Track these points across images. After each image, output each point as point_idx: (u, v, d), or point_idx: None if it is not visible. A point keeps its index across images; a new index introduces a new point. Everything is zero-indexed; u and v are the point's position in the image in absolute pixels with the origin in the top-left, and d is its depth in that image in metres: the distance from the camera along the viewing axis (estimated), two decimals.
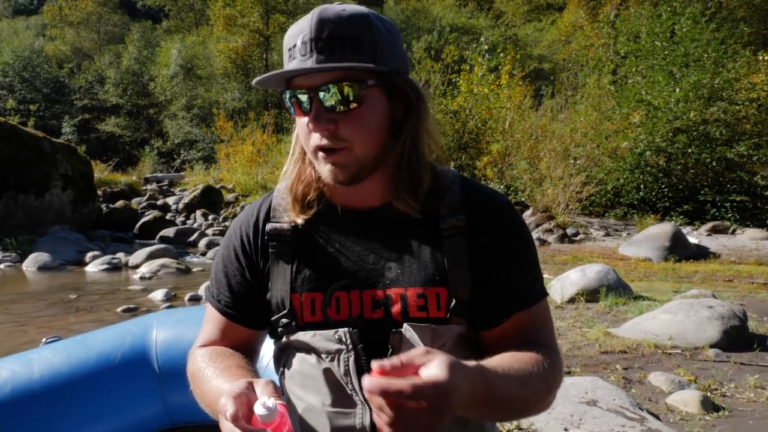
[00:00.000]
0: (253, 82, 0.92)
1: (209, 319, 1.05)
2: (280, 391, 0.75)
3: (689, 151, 11.45)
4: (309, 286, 0.95)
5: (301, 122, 0.91)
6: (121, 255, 8.21)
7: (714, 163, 11.37)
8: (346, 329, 0.90)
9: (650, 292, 5.65)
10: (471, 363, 0.74)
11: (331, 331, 0.91)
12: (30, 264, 7.73)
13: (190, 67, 27.87)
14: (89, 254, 8.24)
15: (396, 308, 0.91)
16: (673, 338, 3.84)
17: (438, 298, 0.91)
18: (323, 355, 0.93)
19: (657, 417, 2.58)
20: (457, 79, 14.19)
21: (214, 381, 0.91)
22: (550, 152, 11.89)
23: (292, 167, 0.99)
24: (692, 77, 11.47)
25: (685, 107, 11.48)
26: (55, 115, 29.34)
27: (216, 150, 19.01)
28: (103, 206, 12.30)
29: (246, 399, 0.74)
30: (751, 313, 4.61)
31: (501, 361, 0.82)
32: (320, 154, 0.88)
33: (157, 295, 5.80)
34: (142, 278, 7.02)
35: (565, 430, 2.29)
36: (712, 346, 3.74)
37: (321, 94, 0.86)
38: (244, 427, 0.70)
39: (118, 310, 5.24)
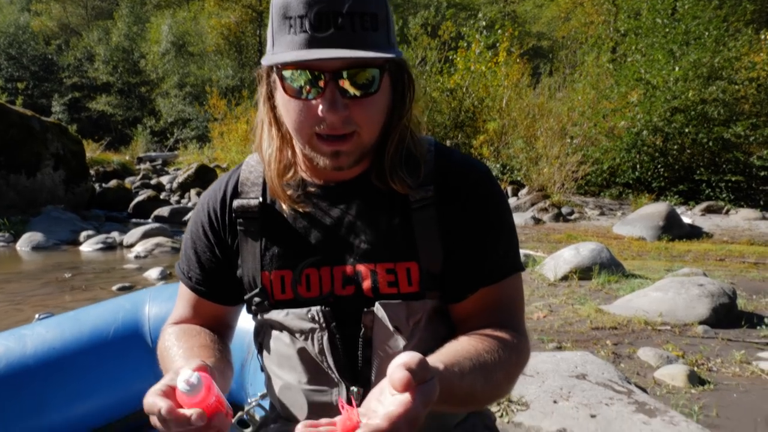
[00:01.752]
0: (268, 61, 0.81)
1: (181, 297, 1.03)
2: (205, 367, 0.72)
3: (686, 131, 11.44)
4: (278, 263, 0.92)
5: (295, 104, 0.81)
6: (115, 234, 8.21)
7: (710, 143, 11.37)
8: (318, 308, 0.89)
9: (643, 270, 5.70)
10: (433, 370, 0.66)
11: (304, 310, 0.89)
12: (24, 244, 7.71)
13: (181, 44, 27.48)
14: (83, 234, 8.22)
15: (366, 284, 0.89)
16: (663, 315, 3.89)
17: (408, 273, 0.89)
18: (297, 334, 0.92)
19: (644, 390, 2.63)
20: (454, 56, 14.07)
21: (177, 361, 0.89)
22: (546, 131, 11.87)
23: (274, 152, 0.91)
24: (692, 56, 11.40)
25: (684, 86, 11.44)
26: (44, 94, 28.97)
27: (210, 129, 18.89)
28: (96, 186, 12.24)
29: (172, 391, 0.71)
30: (741, 292, 4.66)
31: (465, 353, 0.78)
32: (318, 139, 0.82)
33: (152, 273, 5.81)
34: (137, 257, 7.03)
35: (555, 402, 2.33)
36: (701, 322, 3.79)
37: (342, 80, 0.78)
38: (173, 413, 0.66)
39: (114, 288, 5.25)
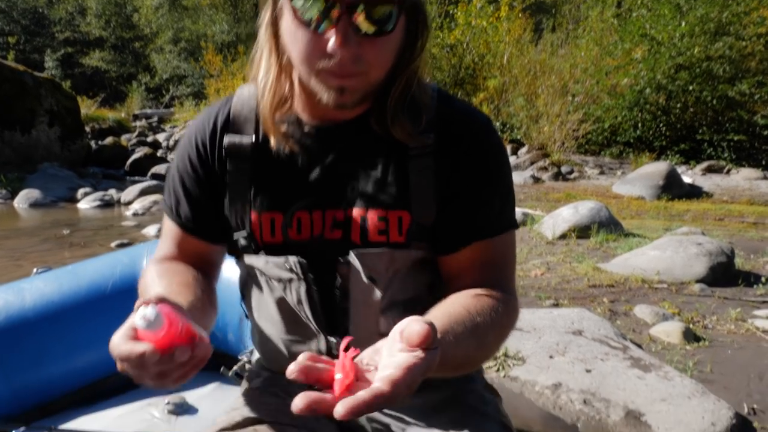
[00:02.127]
0: None
1: (166, 233, 0.99)
2: (164, 300, 0.67)
3: (690, 88, 11.26)
4: (269, 205, 0.89)
5: (303, 34, 0.76)
6: (112, 192, 8.18)
7: (714, 102, 11.21)
8: (295, 258, 0.86)
9: (641, 229, 5.71)
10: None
11: (282, 259, 0.87)
12: (21, 201, 7.69)
13: None
14: (81, 191, 8.19)
15: (356, 230, 0.87)
16: (661, 273, 3.91)
17: (400, 222, 0.86)
18: (276, 283, 0.90)
19: (639, 346, 2.66)
20: (455, 10, 13.71)
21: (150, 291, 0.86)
22: (548, 89, 11.68)
23: (270, 82, 0.85)
24: (700, 10, 11.10)
25: (690, 42, 11.18)
26: (36, 49, 28.31)
27: (205, 85, 18.58)
28: (92, 143, 12.13)
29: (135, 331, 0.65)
30: (739, 251, 4.68)
31: (459, 318, 0.75)
32: (325, 74, 0.77)
33: (151, 230, 5.81)
34: (134, 214, 7.02)
35: (551, 357, 2.36)
36: (698, 281, 3.82)
37: (357, 14, 0.73)
38: (131, 353, 0.62)
39: (112, 245, 5.26)
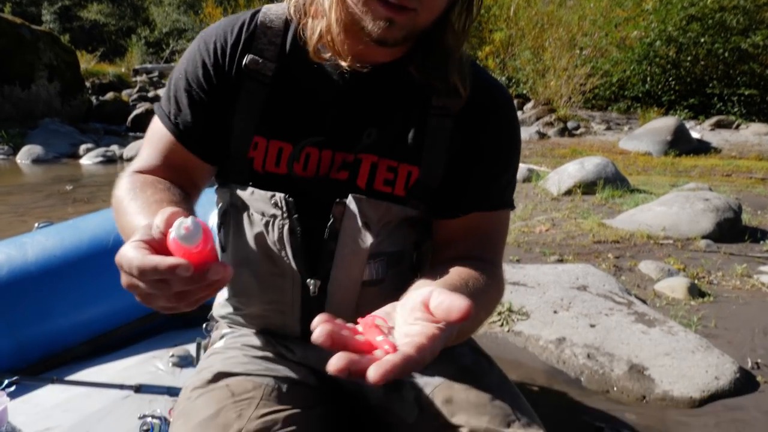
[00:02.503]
0: None
1: (154, 141, 0.90)
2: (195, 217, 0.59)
3: (702, 41, 10.96)
4: (279, 133, 0.85)
5: None
6: (115, 148, 8.11)
7: (726, 54, 10.92)
8: (282, 195, 0.83)
9: (647, 185, 5.65)
10: None
11: (269, 194, 0.84)
12: (23, 157, 7.64)
13: None
14: (83, 147, 8.13)
15: (363, 175, 0.85)
16: (667, 229, 3.88)
17: (408, 176, 0.85)
18: (258, 217, 0.86)
19: (644, 302, 2.66)
20: None
21: (137, 216, 0.75)
22: (555, 42, 11.40)
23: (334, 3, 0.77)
24: None
25: None
26: (33, 2, 27.66)
27: None
28: (93, 98, 11.97)
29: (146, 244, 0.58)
30: (746, 207, 4.64)
31: (458, 290, 0.70)
32: (377, 5, 0.73)
33: None
34: None
35: (555, 312, 2.36)
36: (704, 237, 3.79)
37: None
38: (153, 263, 0.54)
39: None
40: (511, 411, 0.82)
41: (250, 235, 0.88)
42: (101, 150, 7.89)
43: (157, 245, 0.57)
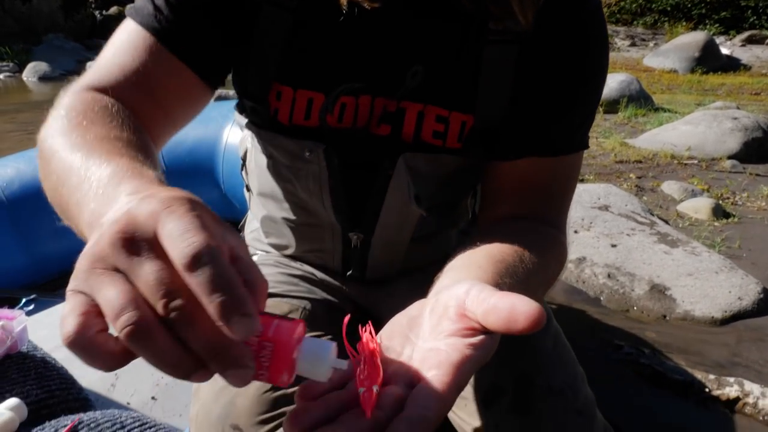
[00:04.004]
0: None
1: (120, 46, 0.63)
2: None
3: None
4: (308, 81, 0.69)
5: None
6: None
7: None
8: (318, 145, 0.70)
9: (672, 104, 5.44)
10: None
11: (301, 143, 0.70)
12: (30, 74, 7.51)
13: None
14: (89, 64, 7.92)
15: (408, 127, 0.70)
16: (692, 149, 3.76)
17: (462, 127, 0.70)
18: (287, 165, 0.75)
19: (666, 222, 2.61)
20: None
21: (91, 165, 0.44)
22: None
23: None
24: None
25: None
26: None
27: None
28: (96, 13, 11.58)
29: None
30: None
31: (511, 266, 0.55)
32: None
33: None
34: None
35: (575, 232, 2.32)
36: (729, 157, 3.68)
37: None
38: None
39: None
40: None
41: (278, 183, 0.78)
42: None
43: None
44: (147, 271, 0.31)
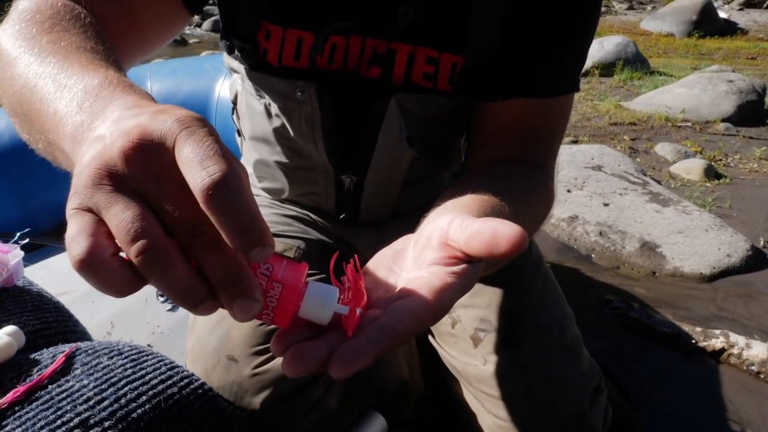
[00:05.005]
0: None
1: None
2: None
3: None
4: (297, 20, 0.68)
5: None
6: None
7: None
8: (310, 84, 0.69)
9: (668, 68, 5.41)
10: None
11: (292, 83, 0.70)
12: None
13: None
14: None
15: (399, 69, 0.69)
16: (686, 112, 3.75)
17: (453, 68, 0.69)
18: (277, 108, 0.74)
19: (659, 183, 2.62)
20: None
21: (72, 73, 0.41)
22: None
23: None
24: None
25: None
26: None
27: None
28: None
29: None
30: None
31: (497, 205, 0.53)
32: None
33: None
34: None
35: (568, 191, 2.33)
36: (724, 120, 3.67)
37: None
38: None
39: None
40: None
41: (270, 126, 0.77)
42: None
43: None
44: (167, 195, 0.30)
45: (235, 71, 0.81)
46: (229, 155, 0.31)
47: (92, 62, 0.43)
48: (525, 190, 0.61)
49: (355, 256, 0.41)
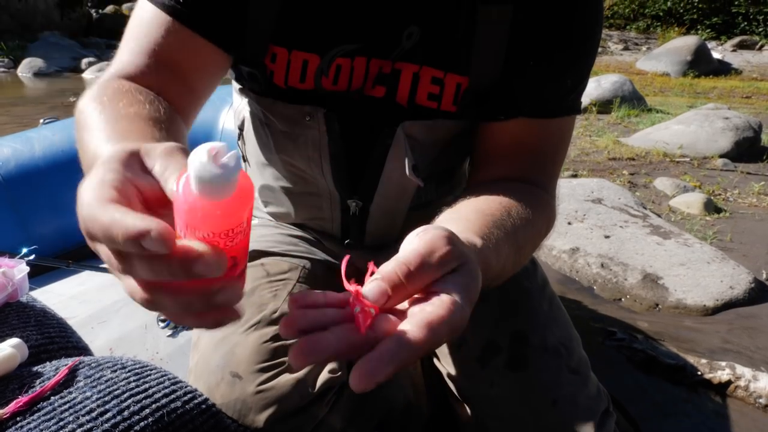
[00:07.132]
0: None
1: (138, 32, 0.66)
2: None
3: None
4: (303, 43, 0.69)
5: None
6: None
7: None
8: (318, 109, 0.70)
9: (664, 106, 5.49)
10: (470, 248, 0.48)
11: (300, 107, 0.71)
12: (24, 70, 7.48)
13: None
14: (85, 61, 7.94)
15: (403, 89, 0.70)
16: (683, 147, 3.80)
17: (457, 88, 0.70)
18: (284, 131, 0.75)
19: (659, 216, 2.63)
20: None
21: (97, 134, 0.49)
22: None
23: None
24: None
25: None
26: None
27: None
28: (93, 12, 11.56)
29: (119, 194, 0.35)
30: (766, 128, 4.51)
31: (496, 218, 0.56)
32: None
33: None
34: None
35: (569, 223, 2.34)
36: (721, 156, 3.71)
37: None
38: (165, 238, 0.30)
39: None
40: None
41: (276, 151, 0.78)
42: (103, 64, 7.70)
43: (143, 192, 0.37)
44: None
45: (243, 97, 0.82)
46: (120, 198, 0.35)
47: (114, 129, 0.49)
48: (526, 205, 0.61)
49: (372, 262, 0.41)
